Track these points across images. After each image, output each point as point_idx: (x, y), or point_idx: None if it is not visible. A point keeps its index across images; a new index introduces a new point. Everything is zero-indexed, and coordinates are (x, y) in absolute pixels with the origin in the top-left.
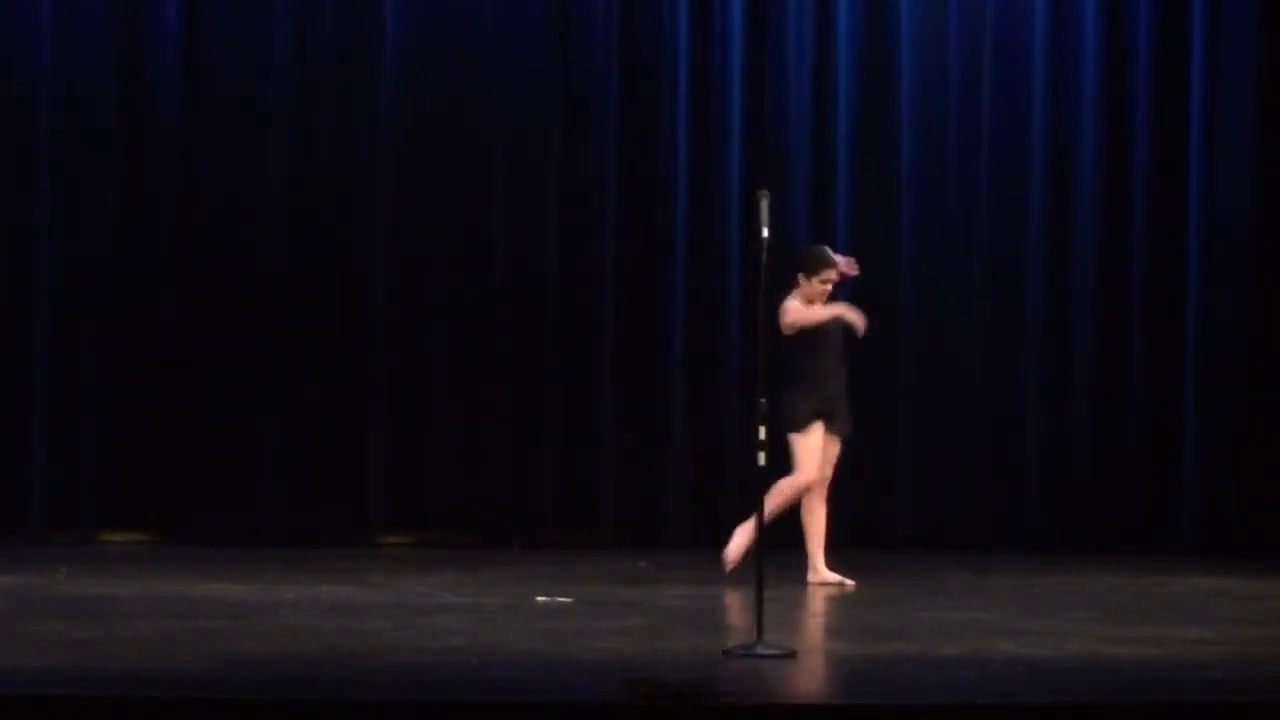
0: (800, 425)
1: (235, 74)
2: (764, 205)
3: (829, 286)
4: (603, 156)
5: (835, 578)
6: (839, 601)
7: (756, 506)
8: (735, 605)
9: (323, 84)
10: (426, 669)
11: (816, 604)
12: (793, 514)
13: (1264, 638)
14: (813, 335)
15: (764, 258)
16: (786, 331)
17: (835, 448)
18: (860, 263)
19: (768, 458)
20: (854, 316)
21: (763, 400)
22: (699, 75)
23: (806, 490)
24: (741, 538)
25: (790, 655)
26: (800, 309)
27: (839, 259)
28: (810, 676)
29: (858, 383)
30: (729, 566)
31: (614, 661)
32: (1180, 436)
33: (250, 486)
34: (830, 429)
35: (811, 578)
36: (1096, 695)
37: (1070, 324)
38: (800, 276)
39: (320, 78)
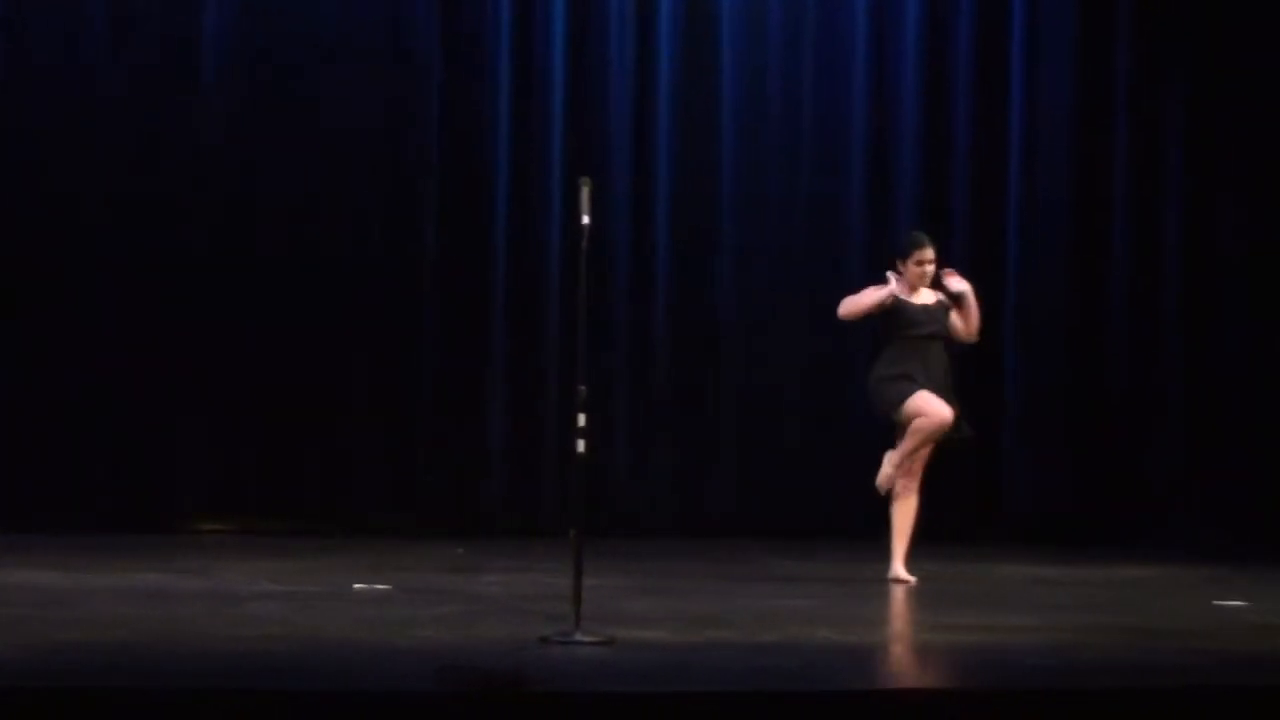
0: (898, 403)
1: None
2: (585, 193)
3: (926, 267)
4: (423, 148)
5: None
6: (658, 589)
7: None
8: (553, 593)
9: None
10: (242, 657)
11: (635, 592)
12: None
13: (1085, 624)
14: (893, 322)
15: (585, 245)
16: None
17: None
18: (681, 253)
19: (587, 445)
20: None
21: (582, 387)
22: (520, 64)
23: (943, 426)
24: (889, 467)
25: (608, 643)
26: (847, 300)
27: (892, 277)
28: (628, 664)
29: (685, 371)
30: (884, 488)
31: (431, 649)
32: (1001, 424)
33: (63, 472)
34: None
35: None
36: (917, 681)
37: None
38: (898, 263)
39: (141, 62)
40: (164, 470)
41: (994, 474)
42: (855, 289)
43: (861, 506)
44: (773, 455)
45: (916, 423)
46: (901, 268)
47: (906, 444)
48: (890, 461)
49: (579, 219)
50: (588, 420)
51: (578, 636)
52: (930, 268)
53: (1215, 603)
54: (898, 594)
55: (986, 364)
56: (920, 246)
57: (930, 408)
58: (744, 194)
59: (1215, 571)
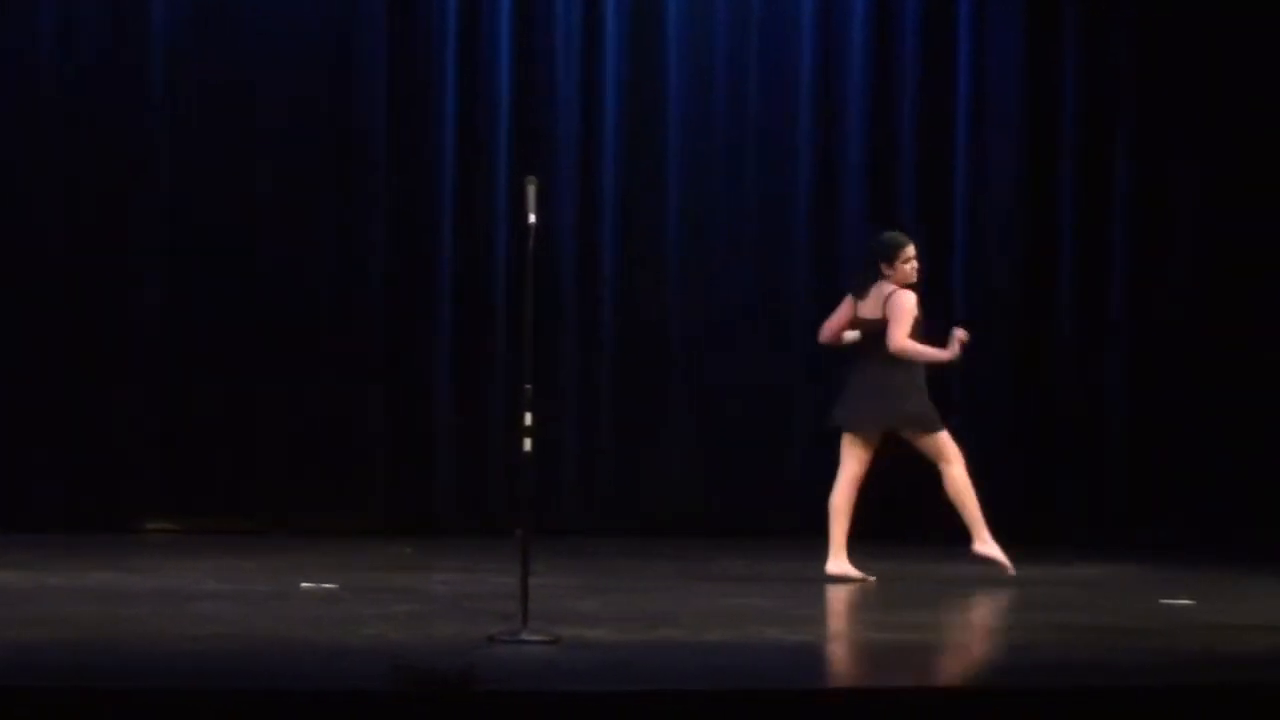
0: (938, 423)
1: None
2: (531, 192)
3: (914, 263)
4: (371, 147)
5: (856, 572)
6: (605, 588)
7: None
8: (501, 591)
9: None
10: (192, 656)
11: (583, 591)
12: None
13: (1032, 623)
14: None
15: (531, 244)
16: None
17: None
18: (629, 252)
19: (534, 444)
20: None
21: (529, 386)
22: (467, 64)
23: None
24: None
25: (555, 641)
26: (909, 343)
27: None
28: (575, 663)
29: (634, 371)
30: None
31: (380, 648)
32: (947, 422)
33: (13, 472)
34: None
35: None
36: (861, 679)
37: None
38: (884, 267)
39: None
40: (113, 470)
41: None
42: (802, 285)
43: (809, 506)
44: (722, 454)
45: (954, 478)
46: (889, 271)
47: (969, 502)
48: (985, 541)
49: (526, 218)
50: (535, 419)
51: (525, 635)
52: (917, 263)
53: (1163, 601)
54: (846, 593)
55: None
56: (904, 245)
57: (954, 448)
58: (691, 192)
59: (1162, 571)
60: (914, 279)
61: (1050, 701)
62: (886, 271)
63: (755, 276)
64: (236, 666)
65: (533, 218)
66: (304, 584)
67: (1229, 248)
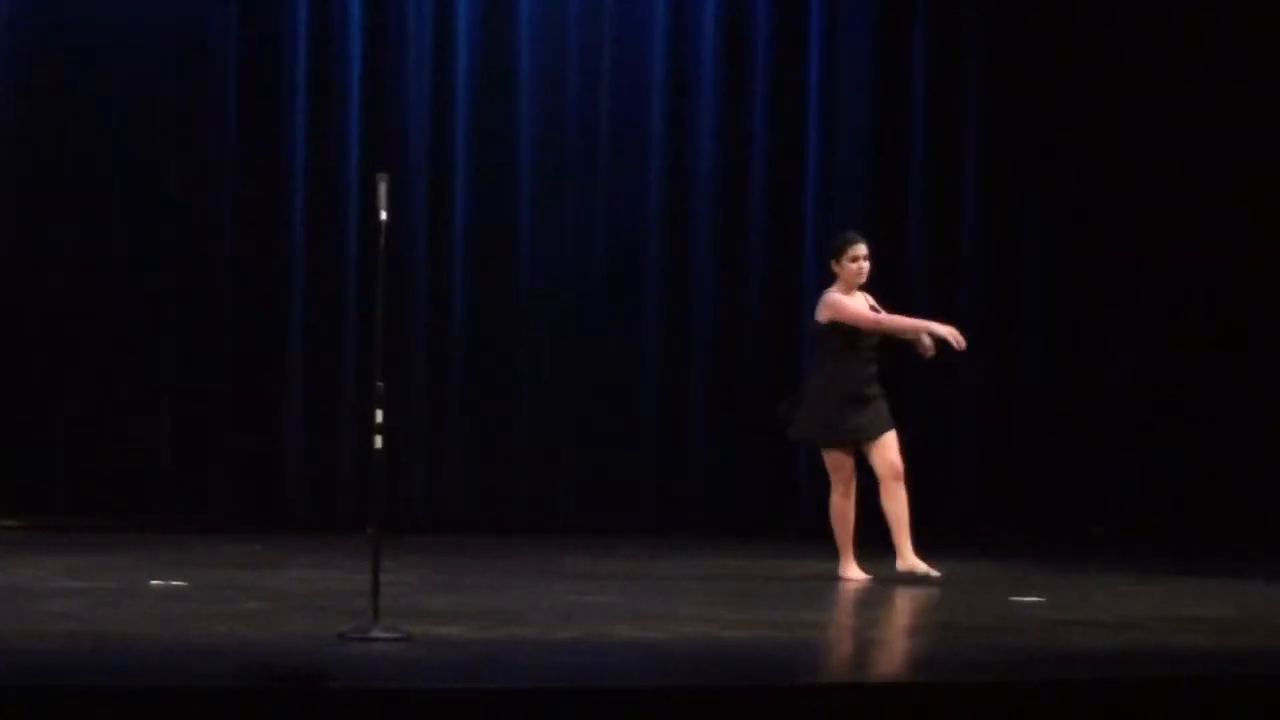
0: (823, 440)
1: None
2: (383, 188)
3: (862, 264)
4: (221, 145)
5: (923, 567)
6: (456, 585)
7: None
8: (351, 589)
9: None
10: (41, 653)
11: (433, 588)
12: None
13: (884, 620)
14: (853, 334)
15: (383, 240)
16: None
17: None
18: (480, 250)
19: (385, 441)
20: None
21: (380, 384)
22: (318, 58)
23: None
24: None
25: (405, 639)
26: (883, 317)
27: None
28: (425, 660)
29: (485, 368)
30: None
31: (230, 646)
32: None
33: None
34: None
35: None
36: (713, 678)
37: (690, 314)
38: (832, 265)
39: None
40: None
41: (792, 471)
42: (655, 281)
43: (656, 501)
44: (571, 451)
45: (899, 493)
46: (836, 269)
47: (901, 522)
48: (907, 556)
49: (377, 214)
50: (385, 416)
51: (375, 633)
52: (866, 264)
53: (1012, 599)
54: (694, 590)
55: (783, 360)
56: (850, 244)
57: (898, 458)
58: (543, 188)
59: (1011, 569)
60: (861, 279)
61: (899, 698)
62: (834, 269)
63: (608, 271)
64: (88, 663)
65: (384, 214)
66: (154, 581)
67: (1072, 238)
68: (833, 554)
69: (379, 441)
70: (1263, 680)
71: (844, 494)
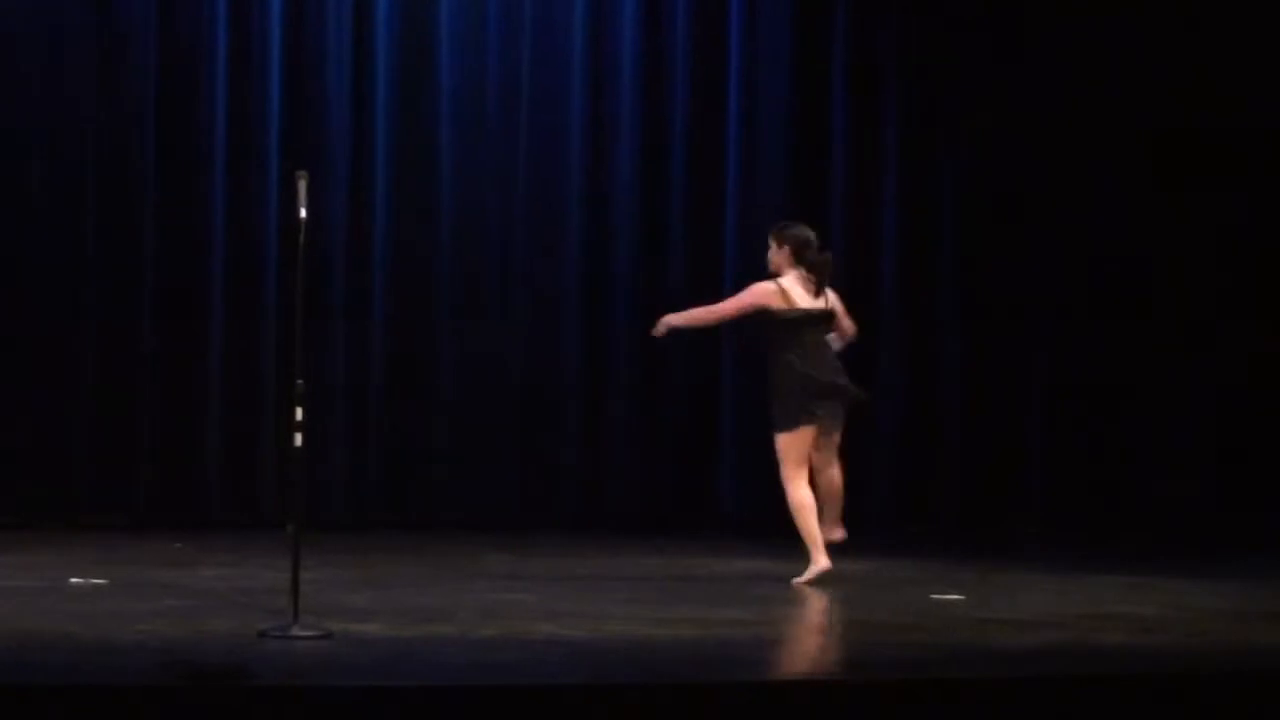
0: (778, 425)
1: None
2: (302, 186)
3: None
4: (140, 141)
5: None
6: (377, 583)
7: None
8: (272, 586)
9: None
10: None
11: (354, 585)
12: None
13: (801, 618)
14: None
15: (302, 238)
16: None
17: None
18: (401, 247)
19: (305, 439)
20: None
21: (300, 381)
22: (237, 53)
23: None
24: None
25: (326, 637)
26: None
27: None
28: (346, 658)
29: (405, 367)
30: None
31: (151, 644)
32: (717, 419)
33: None
34: None
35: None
36: (636, 676)
37: (610, 311)
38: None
39: None
40: None
41: (708, 470)
42: (572, 289)
43: (575, 499)
44: (492, 449)
45: (795, 497)
46: (770, 255)
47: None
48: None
49: (296, 212)
50: (305, 414)
51: (296, 630)
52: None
53: (933, 596)
54: (616, 589)
55: (704, 355)
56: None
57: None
58: (463, 186)
59: (929, 566)
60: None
61: (818, 695)
62: (769, 255)
63: (528, 267)
64: (6, 661)
65: (303, 212)
66: (73, 579)
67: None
68: (757, 551)
69: (299, 439)
70: (1181, 678)
71: (805, 481)
